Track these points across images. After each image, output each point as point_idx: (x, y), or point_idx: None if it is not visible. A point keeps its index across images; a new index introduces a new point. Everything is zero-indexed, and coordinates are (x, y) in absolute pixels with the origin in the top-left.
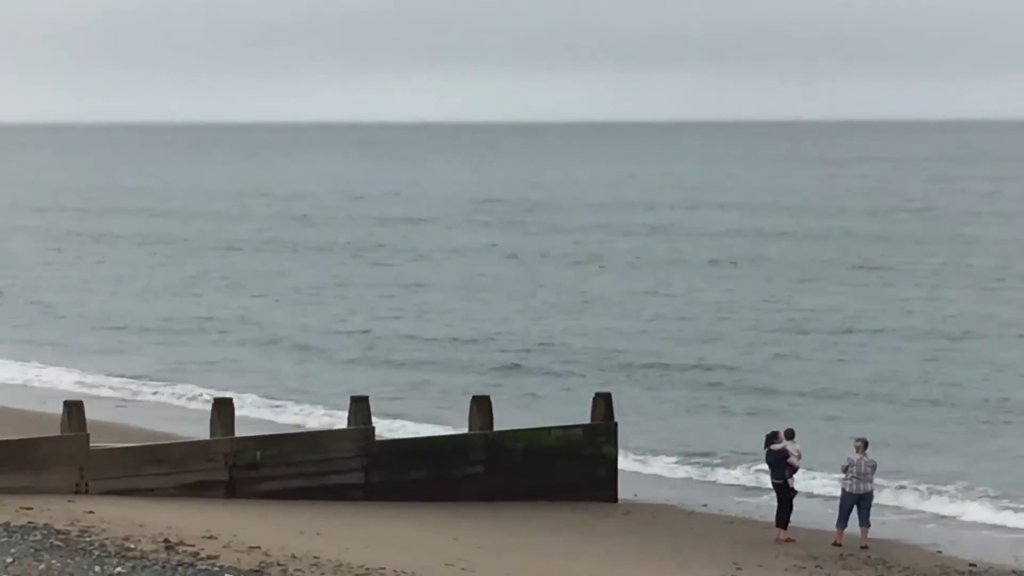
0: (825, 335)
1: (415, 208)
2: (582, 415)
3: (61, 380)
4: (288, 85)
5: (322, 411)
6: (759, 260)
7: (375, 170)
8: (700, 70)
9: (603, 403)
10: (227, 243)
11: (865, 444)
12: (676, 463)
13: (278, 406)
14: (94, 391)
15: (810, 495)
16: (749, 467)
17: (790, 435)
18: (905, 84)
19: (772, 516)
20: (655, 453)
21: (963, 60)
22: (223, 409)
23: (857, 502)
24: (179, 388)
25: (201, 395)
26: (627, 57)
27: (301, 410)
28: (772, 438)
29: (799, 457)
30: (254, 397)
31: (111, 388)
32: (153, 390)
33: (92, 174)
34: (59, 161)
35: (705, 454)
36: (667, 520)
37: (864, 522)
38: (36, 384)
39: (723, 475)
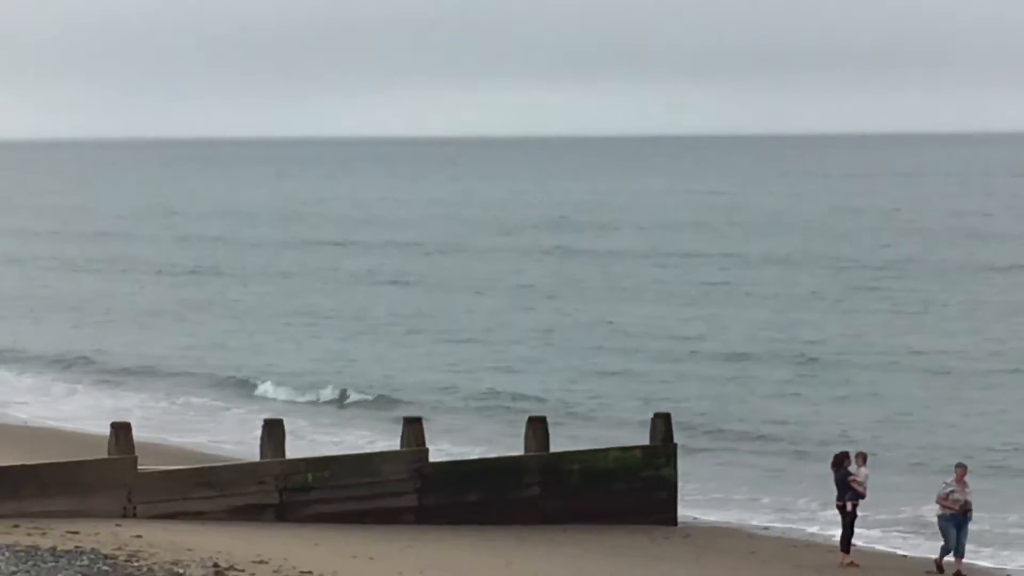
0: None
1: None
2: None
3: (106, 401)
4: (316, 100)
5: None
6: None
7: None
8: (748, 82)
9: (662, 424)
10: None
11: (965, 470)
12: (738, 485)
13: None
14: (143, 412)
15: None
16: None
17: (863, 459)
18: (954, 95)
19: (837, 539)
20: (721, 475)
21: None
22: (273, 430)
23: (957, 528)
24: (235, 410)
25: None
26: (677, 69)
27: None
28: (841, 459)
29: (864, 483)
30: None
31: (160, 409)
32: (201, 411)
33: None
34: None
35: (766, 474)
36: (728, 543)
37: (960, 551)
38: (82, 405)
39: (789, 497)
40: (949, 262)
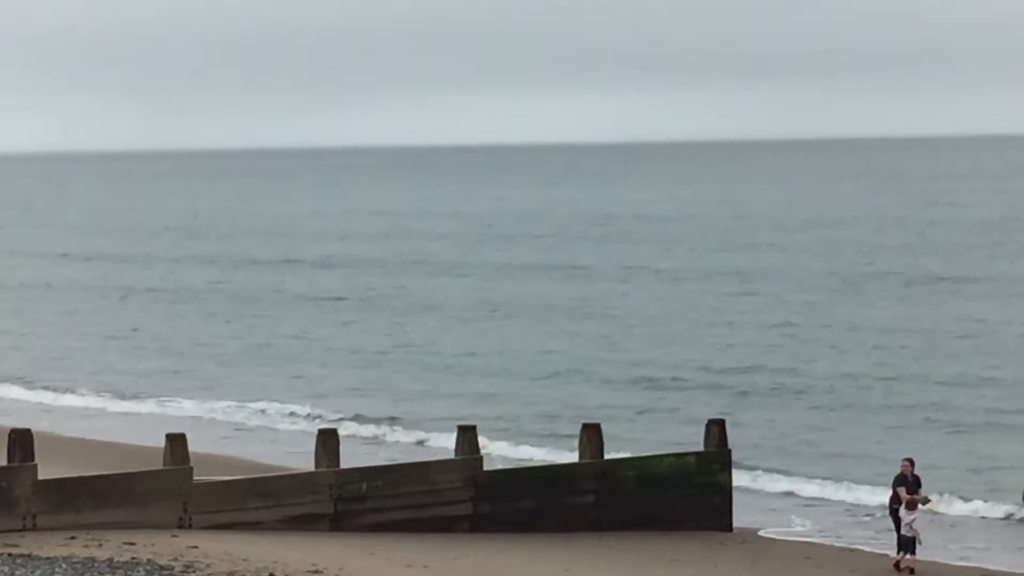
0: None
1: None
2: (695, 442)
3: (161, 412)
4: (381, 107)
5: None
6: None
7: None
8: (812, 84)
9: (716, 430)
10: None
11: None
12: (794, 490)
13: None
14: (199, 422)
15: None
16: (870, 492)
17: (914, 505)
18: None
19: (892, 544)
20: (772, 480)
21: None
22: (328, 440)
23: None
24: (290, 419)
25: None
26: (736, 72)
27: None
28: (908, 465)
29: (918, 490)
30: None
31: (216, 419)
32: (260, 420)
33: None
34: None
35: (825, 479)
36: (783, 549)
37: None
38: (138, 416)
39: (844, 501)
40: None
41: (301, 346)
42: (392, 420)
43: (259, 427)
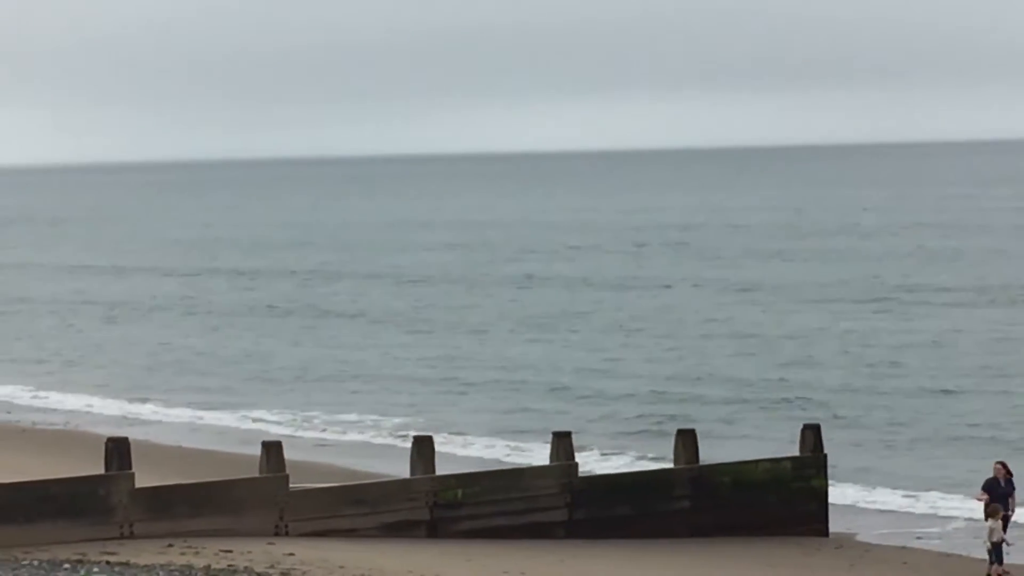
0: None
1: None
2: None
3: (255, 422)
4: (432, 115)
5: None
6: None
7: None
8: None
9: (812, 435)
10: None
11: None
12: (889, 494)
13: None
14: (294, 432)
15: None
16: (965, 498)
17: (995, 513)
18: None
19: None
20: (868, 484)
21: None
22: (423, 447)
23: None
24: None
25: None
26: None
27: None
28: (1001, 469)
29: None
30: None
31: (311, 428)
32: (356, 429)
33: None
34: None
35: (917, 485)
36: (880, 554)
37: None
38: (235, 426)
39: (939, 507)
40: None
41: (389, 360)
42: (478, 431)
43: (349, 437)
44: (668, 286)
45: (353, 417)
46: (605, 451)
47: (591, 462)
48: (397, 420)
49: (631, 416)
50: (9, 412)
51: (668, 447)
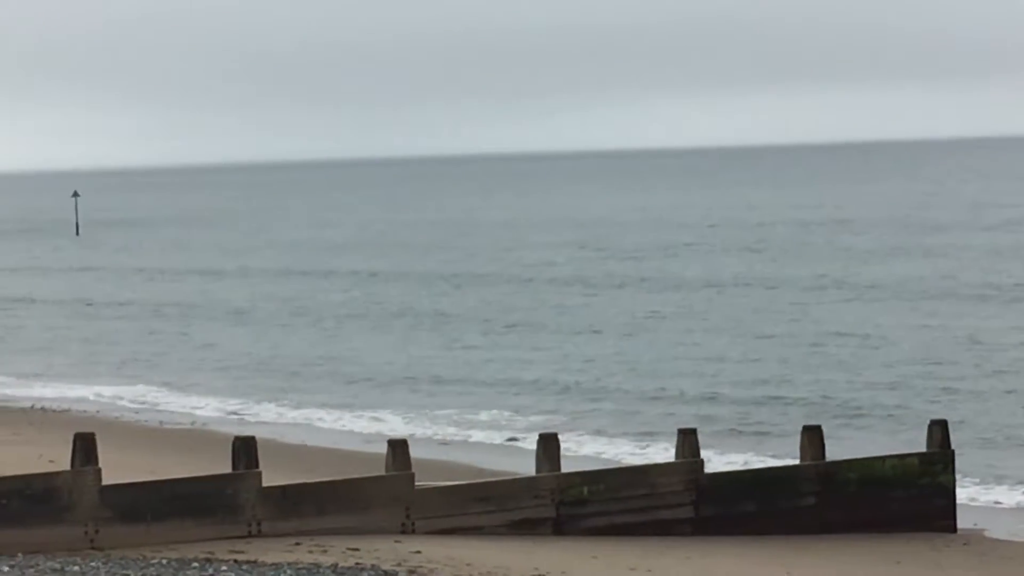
0: None
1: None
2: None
3: (376, 422)
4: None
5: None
6: None
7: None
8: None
9: (939, 430)
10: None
11: None
12: (1018, 492)
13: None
14: (416, 430)
15: None
16: None
17: None
18: None
19: None
20: (995, 481)
21: None
22: (548, 444)
23: None
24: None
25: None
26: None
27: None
28: None
29: None
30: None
31: (433, 426)
32: (479, 427)
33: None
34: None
35: None
36: (1010, 551)
37: None
38: (356, 426)
39: None
40: None
41: (509, 361)
42: (598, 430)
43: (472, 436)
44: (777, 286)
45: (476, 417)
46: (722, 450)
47: (713, 458)
48: (520, 419)
49: (744, 414)
50: (137, 413)
51: (784, 446)
